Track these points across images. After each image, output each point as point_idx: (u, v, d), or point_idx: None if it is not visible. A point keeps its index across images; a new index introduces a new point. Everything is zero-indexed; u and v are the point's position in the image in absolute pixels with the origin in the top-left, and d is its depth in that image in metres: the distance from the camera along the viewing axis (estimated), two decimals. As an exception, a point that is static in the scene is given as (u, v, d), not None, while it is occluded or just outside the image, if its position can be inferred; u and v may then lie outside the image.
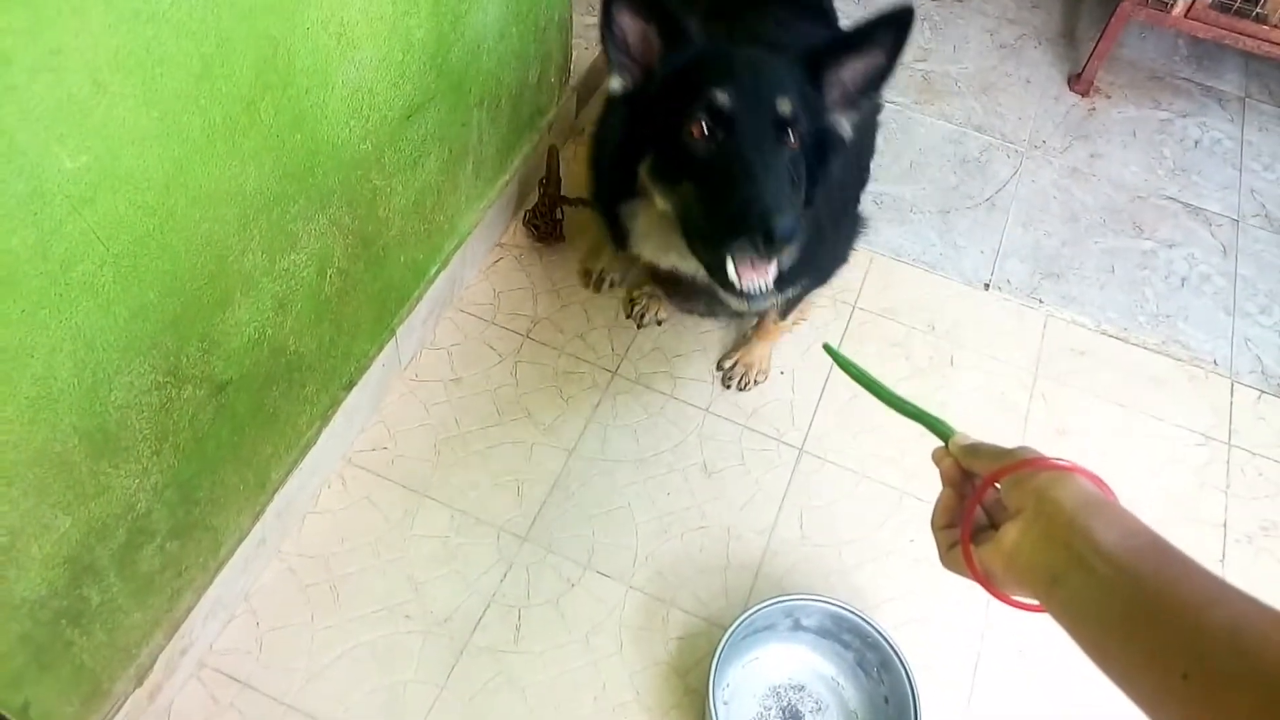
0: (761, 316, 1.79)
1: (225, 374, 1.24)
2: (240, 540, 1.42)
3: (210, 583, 1.38)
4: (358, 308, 1.53)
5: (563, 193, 1.93)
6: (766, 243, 1.05)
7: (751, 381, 1.86)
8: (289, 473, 1.49)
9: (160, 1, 0.88)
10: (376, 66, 1.31)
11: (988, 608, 1.63)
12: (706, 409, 1.83)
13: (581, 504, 1.67)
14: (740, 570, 1.63)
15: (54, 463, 1.00)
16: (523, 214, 2.03)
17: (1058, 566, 0.60)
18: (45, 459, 0.99)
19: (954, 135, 2.41)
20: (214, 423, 1.25)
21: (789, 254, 1.17)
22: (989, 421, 1.87)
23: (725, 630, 1.40)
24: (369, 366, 1.63)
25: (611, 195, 1.29)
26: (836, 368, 0.94)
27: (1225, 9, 2.31)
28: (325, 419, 1.55)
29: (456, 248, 1.81)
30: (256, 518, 1.44)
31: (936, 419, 0.80)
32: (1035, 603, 0.65)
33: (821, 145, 1.22)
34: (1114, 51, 2.56)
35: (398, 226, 1.55)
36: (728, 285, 1.16)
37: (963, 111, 2.47)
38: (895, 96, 2.48)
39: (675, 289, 1.63)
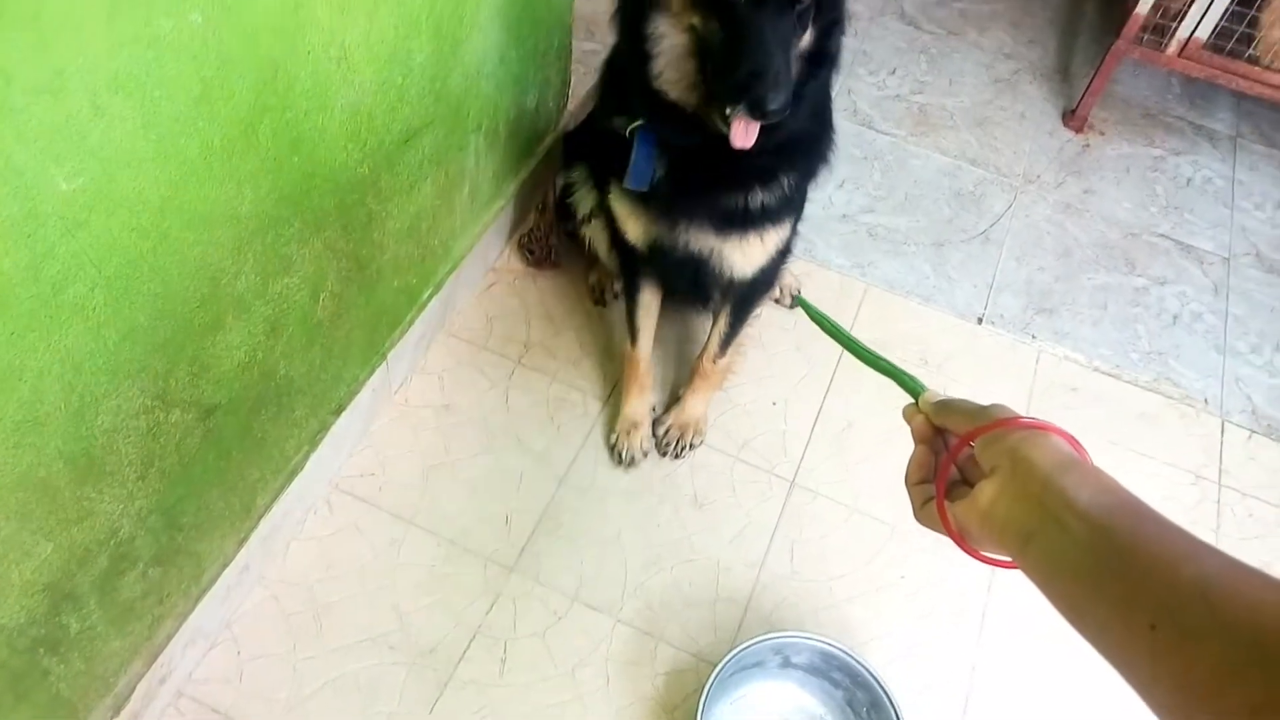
0: (699, 355, 1.75)
1: (214, 398, 1.22)
2: (224, 567, 1.39)
3: (192, 610, 1.35)
4: (349, 331, 1.51)
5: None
6: (760, 113, 1.20)
7: (688, 445, 1.76)
8: (275, 498, 1.47)
9: (162, 25, 0.87)
10: (376, 90, 1.30)
11: (979, 644, 1.62)
12: (699, 439, 1.81)
13: (571, 534, 1.65)
14: (730, 604, 1.61)
15: (38, 487, 0.98)
16: (518, 238, 2.02)
17: (1032, 524, 0.60)
18: (29, 484, 0.96)
19: (949, 168, 2.42)
20: (201, 447, 1.23)
21: (777, 117, 1.24)
22: (981, 457, 1.86)
23: (714, 666, 1.38)
24: (359, 391, 1.61)
25: (637, 5, 1.31)
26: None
27: (1219, 50, 2.34)
28: (314, 443, 1.53)
29: (450, 272, 1.80)
30: (241, 544, 1.42)
31: (908, 375, 0.80)
32: (1007, 559, 0.65)
33: None
34: (1108, 88, 2.58)
35: (392, 250, 1.54)
36: (725, 128, 1.26)
37: (958, 145, 2.49)
38: (891, 128, 2.49)
39: (666, 275, 1.64)
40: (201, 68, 0.95)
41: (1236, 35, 2.30)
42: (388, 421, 1.74)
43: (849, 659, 1.43)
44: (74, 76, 0.80)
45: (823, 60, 1.33)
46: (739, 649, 1.41)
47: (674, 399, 1.83)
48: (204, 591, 1.37)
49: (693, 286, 1.67)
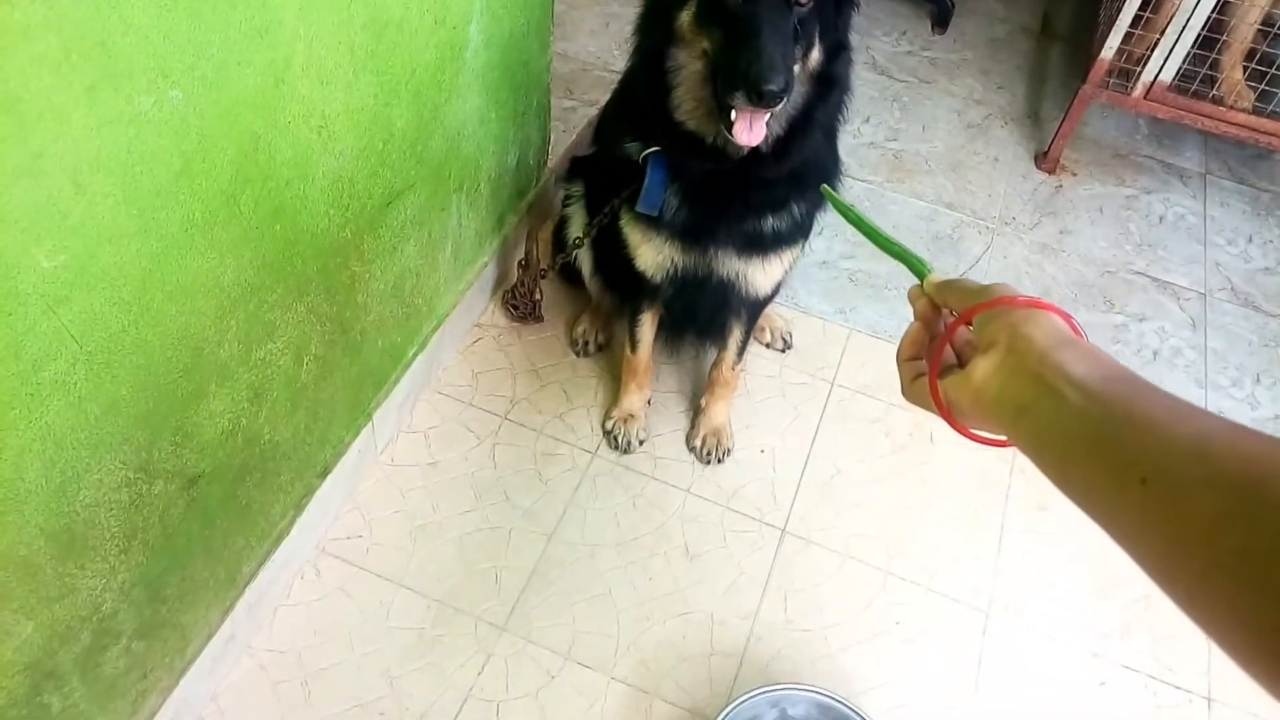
0: (715, 365, 1.84)
1: (198, 467, 1.21)
2: (209, 637, 1.37)
3: (176, 683, 1.33)
4: (334, 393, 1.51)
5: (540, 268, 1.93)
6: (759, 98, 1.24)
7: (725, 450, 1.85)
8: (261, 565, 1.45)
9: (142, 103, 0.88)
10: (357, 156, 1.31)
11: (975, 690, 1.61)
12: (688, 490, 1.81)
13: (562, 591, 1.64)
14: (724, 657, 1.59)
15: (18, 566, 0.97)
16: (501, 294, 2.03)
17: (1027, 397, 0.60)
18: (9, 563, 0.95)
19: (926, 213, 2.46)
20: (185, 517, 1.22)
21: (779, 114, 1.33)
22: (970, 497, 1.86)
23: (711, 723, 1.37)
24: (344, 453, 1.60)
25: (654, 44, 1.39)
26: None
27: (1183, 91, 2.39)
28: (299, 508, 1.52)
29: (435, 329, 1.80)
30: (226, 613, 1.40)
31: (917, 258, 0.80)
32: (997, 437, 0.65)
33: (838, 2, 1.35)
34: (1077, 131, 2.63)
35: (376, 311, 1.54)
36: (729, 126, 1.31)
37: (934, 189, 2.52)
38: (868, 175, 2.53)
39: (688, 304, 1.70)
40: (182, 143, 0.96)
41: (1199, 77, 2.36)
42: (374, 482, 1.73)
43: (847, 710, 1.41)
44: (54, 158, 0.81)
45: (831, 83, 1.39)
46: (735, 703, 1.39)
47: (698, 411, 1.89)
48: (189, 664, 1.35)
49: (716, 310, 1.75)
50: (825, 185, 0.99)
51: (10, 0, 0.72)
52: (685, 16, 1.32)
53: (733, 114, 1.29)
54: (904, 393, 0.75)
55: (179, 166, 0.97)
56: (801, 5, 1.27)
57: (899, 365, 0.76)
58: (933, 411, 0.71)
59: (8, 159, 0.76)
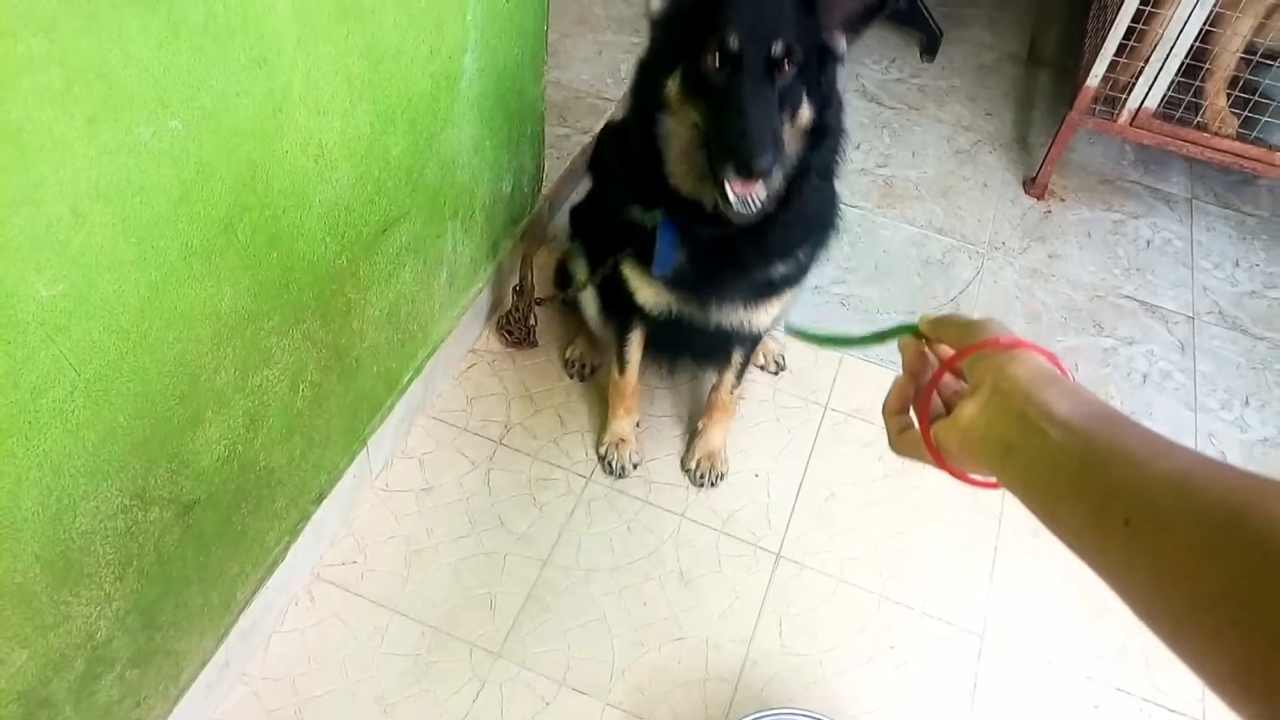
0: (714, 389, 1.86)
1: (193, 493, 1.21)
2: (203, 665, 1.37)
3: (170, 711, 1.32)
4: (329, 419, 1.51)
5: (536, 295, 1.94)
6: (747, 171, 1.25)
7: (720, 473, 1.86)
8: (255, 591, 1.45)
9: (141, 133, 0.89)
10: (353, 185, 1.33)
11: (971, 715, 1.61)
12: (682, 514, 1.81)
13: (557, 616, 1.63)
14: (720, 683, 1.59)
15: (13, 594, 0.97)
16: (496, 320, 2.04)
17: (1012, 436, 0.61)
18: (4, 590, 0.95)
19: (917, 238, 2.48)
20: (180, 544, 1.22)
21: (772, 181, 1.35)
22: (963, 521, 1.87)
23: (706, 748, 1.37)
24: (340, 478, 1.60)
25: (646, 110, 1.40)
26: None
27: (1168, 118, 2.42)
28: (294, 534, 1.52)
29: (430, 355, 1.81)
30: (220, 640, 1.40)
31: (901, 326, 0.80)
32: (989, 479, 0.66)
33: (821, 60, 1.35)
34: (1065, 156, 2.67)
35: (371, 337, 1.55)
36: (726, 199, 1.31)
37: (924, 215, 2.55)
38: (859, 201, 2.55)
39: (686, 343, 1.73)
40: (181, 172, 0.97)
41: (1184, 104, 2.39)
42: (369, 508, 1.73)
43: (841, 735, 1.41)
44: (55, 187, 0.82)
45: (824, 132, 1.39)
46: (730, 729, 1.39)
47: (694, 433, 1.90)
48: (183, 691, 1.34)
49: (718, 351, 1.78)
50: (791, 327, 0.98)
51: (13, 33, 0.73)
52: (672, 86, 1.32)
53: (724, 185, 1.30)
54: (891, 445, 0.76)
55: (178, 195, 0.98)
56: (784, 74, 1.27)
57: (885, 419, 0.77)
58: (924, 460, 0.72)
59: (9, 188, 0.77)
